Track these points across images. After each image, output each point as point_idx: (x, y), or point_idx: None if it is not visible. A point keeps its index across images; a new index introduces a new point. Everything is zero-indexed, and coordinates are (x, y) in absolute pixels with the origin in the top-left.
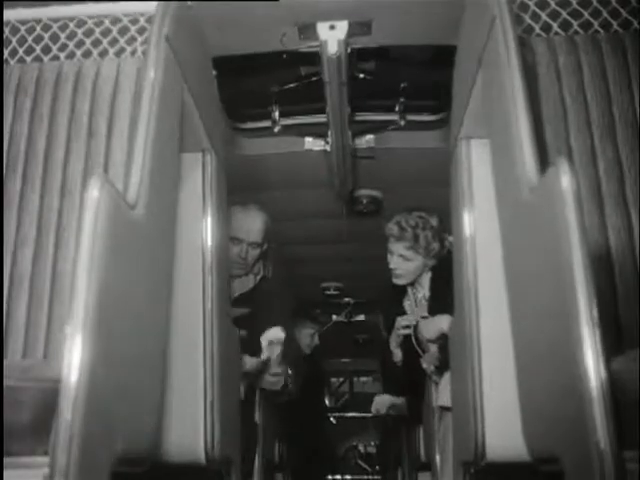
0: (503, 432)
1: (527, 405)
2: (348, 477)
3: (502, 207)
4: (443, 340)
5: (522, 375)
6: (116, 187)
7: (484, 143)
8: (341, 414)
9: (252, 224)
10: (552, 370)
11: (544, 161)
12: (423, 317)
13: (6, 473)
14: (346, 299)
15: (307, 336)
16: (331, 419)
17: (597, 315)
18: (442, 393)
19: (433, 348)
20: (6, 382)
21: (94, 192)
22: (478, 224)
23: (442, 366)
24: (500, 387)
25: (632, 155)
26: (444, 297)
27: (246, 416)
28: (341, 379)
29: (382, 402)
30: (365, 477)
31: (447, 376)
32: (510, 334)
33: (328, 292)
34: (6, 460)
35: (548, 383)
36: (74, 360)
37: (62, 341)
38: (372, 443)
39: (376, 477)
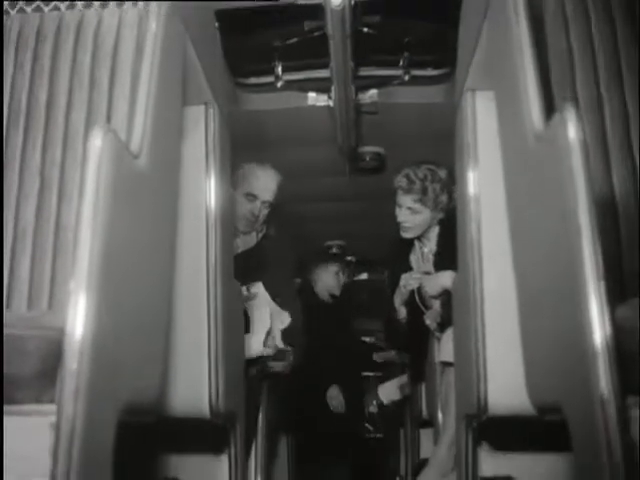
0: (506, 385)
1: (530, 355)
2: None
3: (507, 157)
4: (446, 296)
5: (525, 325)
6: (119, 136)
7: (489, 95)
8: None
9: (269, 183)
10: (556, 319)
11: (550, 110)
12: (426, 273)
13: (12, 420)
14: (349, 258)
15: (332, 275)
16: None
17: (602, 263)
18: (444, 349)
19: (436, 304)
20: (11, 331)
21: (97, 141)
22: (482, 178)
23: (444, 322)
24: (503, 341)
25: (638, 104)
26: (451, 251)
27: (249, 376)
28: None
29: (390, 390)
30: (367, 436)
31: (449, 332)
32: (513, 288)
33: (331, 251)
34: (12, 408)
35: (552, 332)
36: (79, 310)
37: (66, 293)
38: (374, 403)
39: (378, 435)
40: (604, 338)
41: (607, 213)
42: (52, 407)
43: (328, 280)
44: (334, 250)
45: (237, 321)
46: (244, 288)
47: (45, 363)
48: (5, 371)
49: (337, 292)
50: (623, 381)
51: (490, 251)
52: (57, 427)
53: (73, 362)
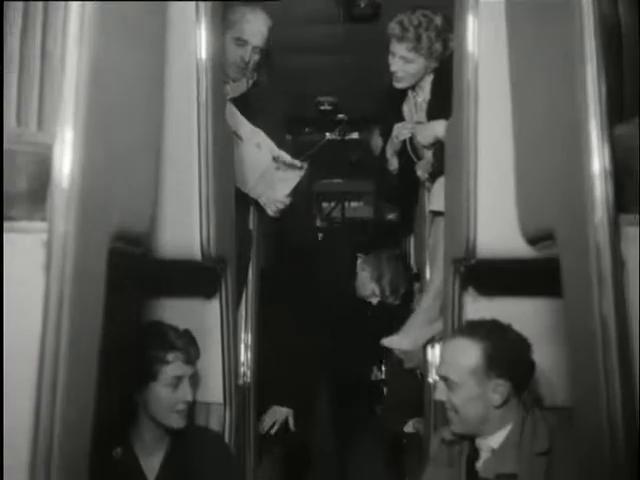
0: (495, 229)
1: (524, 187)
2: None
3: None
4: (438, 145)
5: (521, 159)
6: None
7: None
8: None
9: (260, 27)
10: (554, 147)
11: None
12: (419, 123)
13: (5, 237)
14: (340, 115)
15: (369, 289)
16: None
17: (605, 84)
18: (434, 198)
19: (428, 154)
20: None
21: None
22: (482, 19)
23: (436, 172)
24: (494, 184)
25: None
26: (445, 100)
27: (240, 221)
28: (332, 204)
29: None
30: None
31: (440, 181)
32: (509, 129)
33: (322, 107)
34: (4, 224)
35: (549, 160)
36: (67, 138)
37: (55, 117)
38: None
39: None
40: (602, 158)
41: (612, 34)
42: (44, 225)
43: (361, 282)
44: (325, 107)
45: (228, 164)
46: None
47: (35, 179)
48: None
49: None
50: (619, 199)
51: (486, 94)
52: (49, 244)
53: (63, 181)
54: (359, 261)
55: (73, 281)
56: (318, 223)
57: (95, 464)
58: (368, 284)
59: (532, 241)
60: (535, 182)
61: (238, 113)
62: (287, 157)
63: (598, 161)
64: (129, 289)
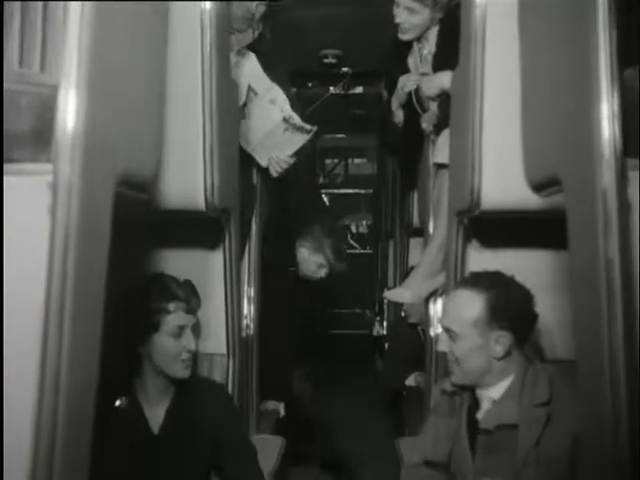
0: (500, 180)
1: (530, 134)
2: None
3: None
4: (443, 97)
5: (528, 98)
6: None
7: None
8: (334, 190)
9: None
10: (562, 88)
11: None
12: (423, 74)
13: (9, 179)
14: (344, 69)
15: (312, 264)
16: (324, 198)
17: (615, 27)
18: (439, 150)
19: (433, 107)
20: (3, 86)
21: None
22: None
23: (440, 125)
24: (500, 135)
25: None
26: (450, 51)
27: (243, 177)
28: (335, 160)
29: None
30: (355, 251)
31: (445, 133)
32: (515, 77)
33: (326, 60)
34: (9, 166)
35: (556, 106)
36: (71, 73)
37: (57, 62)
38: (364, 223)
39: (367, 251)
40: (611, 102)
41: None
42: (49, 167)
43: (307, 265)
44: (329, 60)
45: (233, 115)
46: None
47: (39, 120)
48: None
49: (304, 274)
50: (624, 143)
51: (493, 43)
52: (54, 186)
53: (68, 122)
54: (296, 243)
55: (79, 223)
56: (321, 180)
57: (99, 413)
58: (310, 258)
59: (537, 188)
60: (542, 126)
61: (259, 66)
62: (297, 119)
63: (607, 104)
64: (133, 240)
